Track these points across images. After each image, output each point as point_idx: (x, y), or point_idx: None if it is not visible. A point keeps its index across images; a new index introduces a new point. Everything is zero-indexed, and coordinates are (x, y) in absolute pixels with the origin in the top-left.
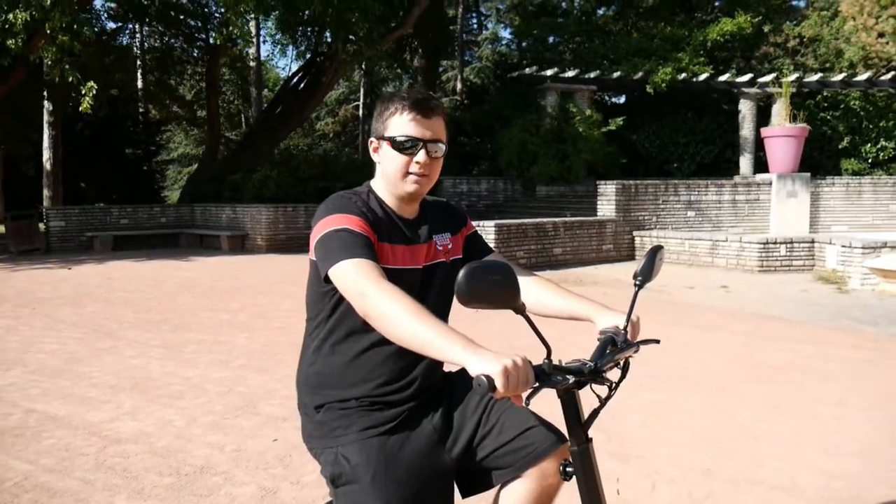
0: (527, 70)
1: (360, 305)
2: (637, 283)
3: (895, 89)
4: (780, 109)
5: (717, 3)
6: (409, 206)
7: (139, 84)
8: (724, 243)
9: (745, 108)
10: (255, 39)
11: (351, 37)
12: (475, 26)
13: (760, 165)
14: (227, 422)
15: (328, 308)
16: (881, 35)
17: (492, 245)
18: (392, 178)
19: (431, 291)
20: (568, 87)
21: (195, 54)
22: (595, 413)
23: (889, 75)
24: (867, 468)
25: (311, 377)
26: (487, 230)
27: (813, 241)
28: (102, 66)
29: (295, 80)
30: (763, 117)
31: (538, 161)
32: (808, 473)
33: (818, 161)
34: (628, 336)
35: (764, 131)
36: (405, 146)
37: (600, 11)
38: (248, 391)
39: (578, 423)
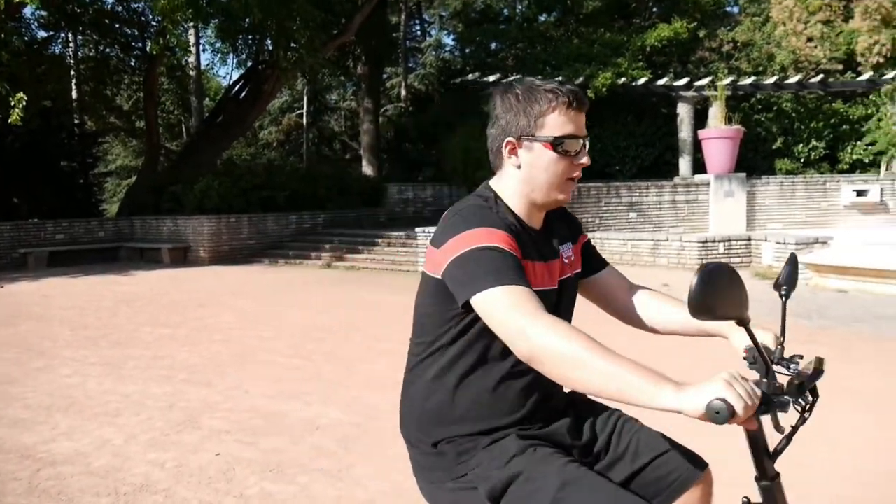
0: (470, 76)
1: (519, 345)
2: (783, 293)
3: (824, 91)
4: (716, 112)
5: (654, 10)
6: (538, 216)
7: (73, 94)
8: (665, 243)
9: (683, 111)
10: (193, 48)
11: (292, 44)
12: (419, 33)
13: (699, 166)
14: (168, 438)
15: (453, 333)
16: (810, 39)
17: None
18: (545, 185)
19: (561, 312)
20: None
21: (132, 63)
22: (787, 441)
23: (818, 78)
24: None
25: (430, 411)
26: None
27: (749, 239)
28: (33, 76)
29: (236, 88)
30: (700, 120)
31: (483, 166)
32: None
33: (753, 161)
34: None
35: (701, 133)
36: (571, 148)
37: (542, 18)
38: (190, 405)
39: (768, 455)
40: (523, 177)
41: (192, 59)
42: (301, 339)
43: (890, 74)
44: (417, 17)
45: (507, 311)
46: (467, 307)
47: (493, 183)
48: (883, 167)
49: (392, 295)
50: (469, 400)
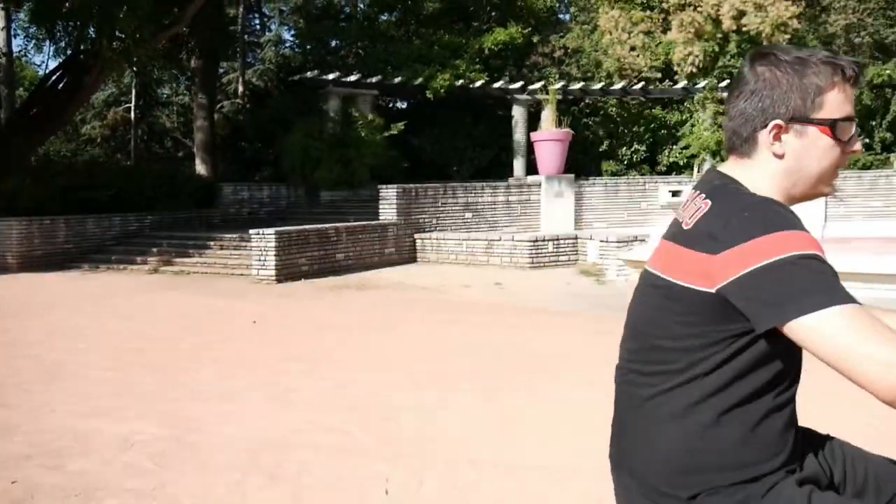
0: (309, 74)
1: (887, 384)
2: None
3: (645, 97)
4: (548, 115)
5: (492, 14)
6: None
7: None
8: (498, 242)
9: (518, 114)
10: (3, 32)
11: (118, 33)
12: (258, 27)
13: (532, 168)
14: None
15: (716, 360)
16: (633, 48)
17: (272, 253)
18: (814, 177)
19: None
20: (350, 91)
21: None
22: None
23: (640, 85)
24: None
25: (681, 457)
26: (268, 238)
27: (576, 238)
28: None
29: (53, 78)
30: (534, 122)
31: (321, 166)
32: (563, 453)
33: (582, 163)
34: None
35: (533, 135)
36: (847, 133)
37: (383, 17)
38: None
39: None
40: (787, 167)
41: (1, 44)
42: (119, 350)
43: (702, 83)
44: (256, 10)
45: (858, 336)
46: (770, 331)
47: (731, 171)
48: (695, 169)
49: (224, 299)
50: (730, 441)
